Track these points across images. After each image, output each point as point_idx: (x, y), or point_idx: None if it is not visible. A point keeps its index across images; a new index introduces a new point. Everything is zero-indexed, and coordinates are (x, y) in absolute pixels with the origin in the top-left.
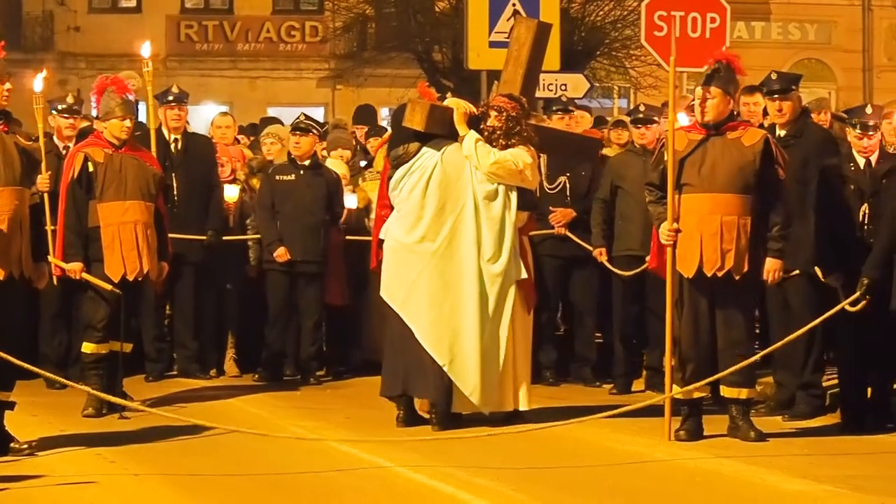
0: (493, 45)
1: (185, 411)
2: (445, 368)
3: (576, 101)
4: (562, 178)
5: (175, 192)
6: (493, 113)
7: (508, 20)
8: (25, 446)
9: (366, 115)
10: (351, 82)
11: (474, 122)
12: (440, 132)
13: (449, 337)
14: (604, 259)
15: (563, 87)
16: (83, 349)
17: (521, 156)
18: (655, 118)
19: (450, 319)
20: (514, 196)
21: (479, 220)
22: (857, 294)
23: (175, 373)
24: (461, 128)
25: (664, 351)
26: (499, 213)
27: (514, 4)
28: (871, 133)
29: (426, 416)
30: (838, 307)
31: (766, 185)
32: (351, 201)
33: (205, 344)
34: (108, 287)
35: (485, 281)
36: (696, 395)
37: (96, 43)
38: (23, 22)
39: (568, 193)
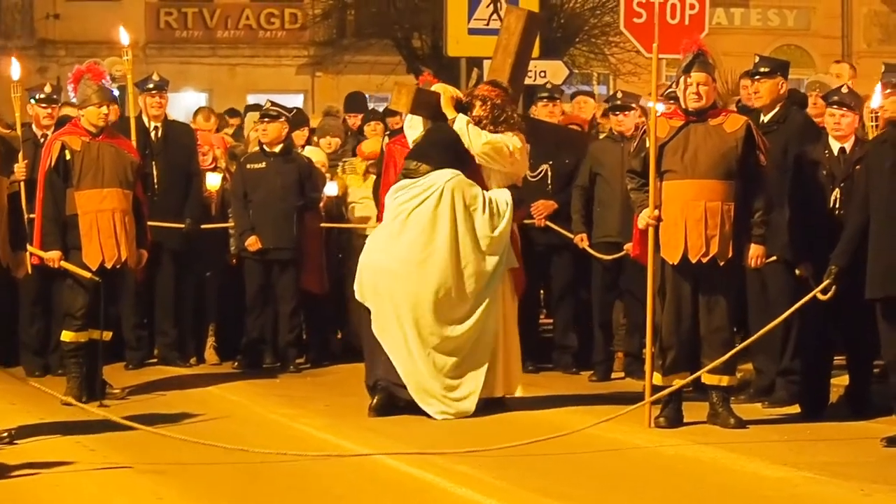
0: (472, 31)
1: (164, 399)
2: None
3: (581, 88)
4: (544, 167)
5: (155, 180)
6: (477, 103)
7: (488, 7)
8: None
9: (358, 102)
10: (330, 69)
11: (460, 109)
12: (425, 115)
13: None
14: (585, 245)
15: (543, 74)
16: (62, 338)
17: (511, 140)
18: (633, 105)
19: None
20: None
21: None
22: (827, 282)
23: (155, 360)
24: (449, 111)
25: (642, 337)
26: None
27: None
28: (844, 111)
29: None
30: (810, 295)
31: (748, 172)
32: (331, 189)
33: (184, 332)
34: (87, 275)
35: (478, 270)
36: (677, 382)
37: (75, 30)
38: (1, 9)
39: (549, 182)
